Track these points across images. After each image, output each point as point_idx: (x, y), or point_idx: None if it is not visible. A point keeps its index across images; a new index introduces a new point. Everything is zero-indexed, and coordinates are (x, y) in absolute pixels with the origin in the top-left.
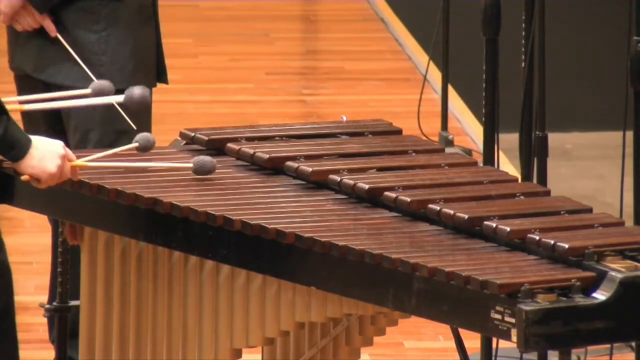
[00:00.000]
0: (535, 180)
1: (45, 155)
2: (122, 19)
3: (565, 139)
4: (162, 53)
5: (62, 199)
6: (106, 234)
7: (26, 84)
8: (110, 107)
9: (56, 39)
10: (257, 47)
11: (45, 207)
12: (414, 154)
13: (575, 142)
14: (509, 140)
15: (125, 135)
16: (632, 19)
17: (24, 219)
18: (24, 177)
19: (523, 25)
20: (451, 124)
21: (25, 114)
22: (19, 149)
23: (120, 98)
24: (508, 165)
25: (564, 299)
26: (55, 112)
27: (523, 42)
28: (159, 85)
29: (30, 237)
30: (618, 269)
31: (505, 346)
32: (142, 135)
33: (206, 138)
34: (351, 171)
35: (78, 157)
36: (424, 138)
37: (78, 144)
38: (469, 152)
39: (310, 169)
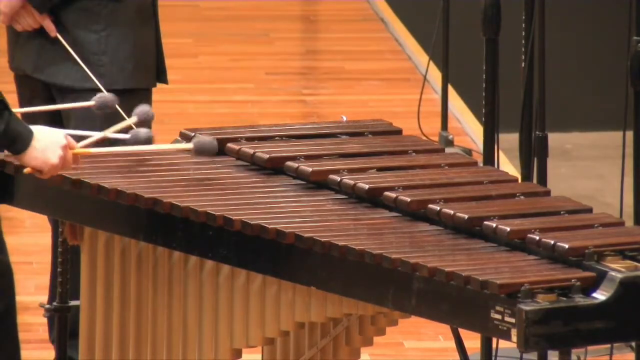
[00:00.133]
0: (535, 180)
1: (47, 146)
2: (122, 19)
3: (565, 139)
4: (162, 53)
5: (62, 199)
6: (106, 234)
7: (26, 84)
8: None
9: (56, 39)
10: (257, 47)
11: (45, 207)
12: (414, 154)
13: (575, 142)
14: (509, 140)
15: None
16: (632, 19)
17: (24, 219)
18: (26, 170)
19: (523, 25)
20: (451, 124)
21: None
22: (21, 142)
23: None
24: (508, 165)
25: (564, 299)
26: (55, 112)
27: (523, 42)
28: (159, 85)
29: (30, 237)
30: (618, 269)
31: (505, 346)
32: (140, 109)
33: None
34: (351, 171)
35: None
36: (424, 138)
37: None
38: (469, 152)
39: (310, 169)
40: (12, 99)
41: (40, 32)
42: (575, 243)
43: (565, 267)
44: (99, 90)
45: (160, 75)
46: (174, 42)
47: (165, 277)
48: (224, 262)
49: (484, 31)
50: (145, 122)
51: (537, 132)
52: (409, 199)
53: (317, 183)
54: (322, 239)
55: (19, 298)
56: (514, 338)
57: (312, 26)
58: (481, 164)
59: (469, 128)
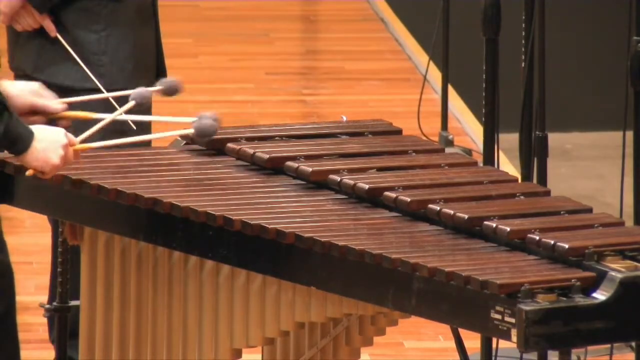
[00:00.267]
0: (535, 180)
1: (48, 146)
2: (122, 19)
3: (565, 139)
4: (162, 53)
5: (62, 199)
6: (106, 234)
7: None
8: (110, 107)
9: (56, 39)
10: (257, 47)
11: (45, 207)
12: (414, 154)
13: (575, 142)
14: (509, 140)
15: (125, 136)
16: (632, 19)
17: (24, 219)
18: (28, 172)
19: (523, 25)
20: (451, 124)
21: None
22: (22, 143)
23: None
24: (508, 165)
25: (564, 299)
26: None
27: (523, 42)
28: None
29: (30, 237)
30: (618, 269)
31: (505, 346)
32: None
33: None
34: (351, 171)
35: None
36: (424, 138)
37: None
38: (469, 152)
39: (310, 169)
40: None
41: (40, 32)
42: (575, 243)
43: (565, 267)
44: (99, 91)
45: (160, 75)
46: (174, 42)
47: (165, 277)
48: (224, 262)
49: (484, 31)
50: (171, 91)
51: (537, 132)
52: (409, 199)
53: (317, 183)
54: (322, 239)
55: (19, 298)
56: (514, 338)
57: (312, 26)
58: (481, 164)
59: (469, 128)
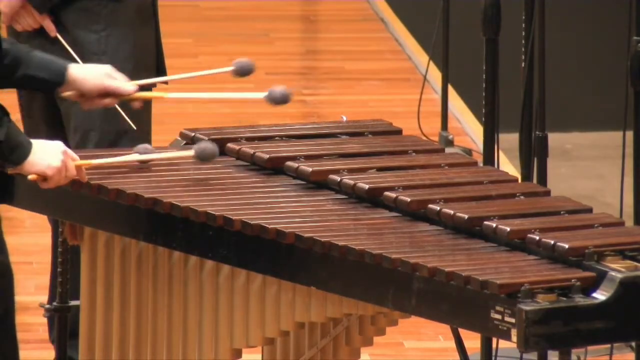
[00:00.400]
0: (535, 180)
1: (47, 154)
2: (122, 19)
3: (565, 139)
4: (162, 53)
5: (62, 199)
6: (106, 234)
7: None
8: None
9: (56, 39)
10: (257, 47)
11: (45, 207)
12: (414, 154)
13: (575, 142)
14: (509, 140)
15: (125, 135)
16: (632, 19)
17: (24, 219)
18: (31, 177)
19: (523, 25)
20: (451, 124)
21: (26, 114)
22: (21, 152)
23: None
24: (508, 165)
25: (564, 299)
26: (55, 113)
27: (523, 42)
28: (159, 85)
29: (30, 237)
30: (618, 269)
31: (505, 346)
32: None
33: (206, 138)
34: (351, 171)
35: (82, 158)
36: (424, 138)
37: (78, 144)
38: (469, 152)
39: (310, 169)
40: (12, 98)
41: (40, 32)
42: (575, 243)
43: (565, 267)
44: None
45: (160, 75)
46: (174, 42)
47: (165, 277)
48: (224, 262)
49: (484, 31)
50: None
51: (537, 132)
52: (409, 199)
53: (317, 183)
54: (322, 239)
55: (19, 298)
56: (514, 338)
57: (312, 26)
58: (481, 164)
59: (469, 128)
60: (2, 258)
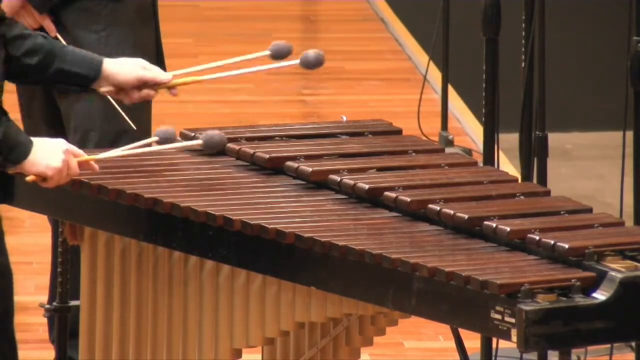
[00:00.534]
0: (535, 180)
1: (48, 153)
2: (122, 19)
3: (565, 139)
4: (162, 53)
5: (62, 199)
6: (106, 234)
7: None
8: (110, 107)
9: (56, 39)
10: (257, 47)
11: (45, 207)
12: (414, 154)
13: (575, 142)
14: (509, 140)
15: (125, 135)
16: (632, 19)
17: (24, 219)
18: (29, 178)
19: (523, 25)
20: (451, 124)
21: (26, 114)
22: (20, 151)
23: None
24: (508, 165)
25: (564, 299)
26: (55, 113)
27: (523, 42)
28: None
29: (30, 237)
30: (618, 269)
31: (505, 346)
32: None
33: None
34: (351, 171)
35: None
36: (424, 138)
37: (78, 144)
38: (469, 152)
39: (310, 169)
40: (12, 98)
41: (41, 32)
42: (575, 243)
43: (565, 267)
44: None
45: None
46: (174, 42)
47: (165, 277)
48: (224, 262)
49: (484, 31)
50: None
51: (537, 132)
52: (409, 199)
53: (317, 183)
54: (322, 239)
55: (19, 298)
56: (514, 338)
57: (312, 26)
58: (481, 164)
59: (469, 128)
60: (1, 259)
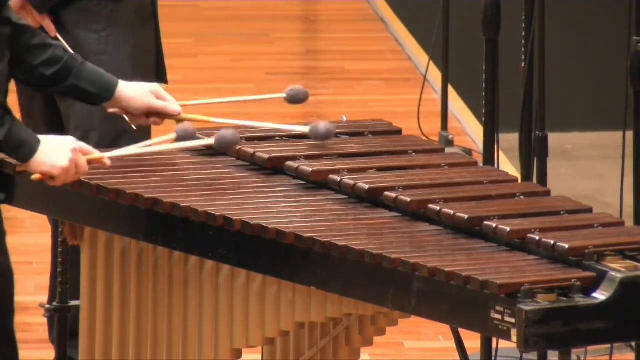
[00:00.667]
0: (535, 180)
1: (56, 151)
2: (122, 19)
3: (565, 139)
4: (162, 53)
5: (62, 199)
6: (106, 234)
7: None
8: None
9: (56, 39)
10: (257, 47)
11: (45, 207)
12: (414, 154)
13: (575, 142)
14: (509, 140)
15: (125, 135)
16: (632, 19)
17: (24, 219)
18: (35, 177)
19: (523, 25)
20: (451, 124)
21: (26, 114)
22: (27, 149)
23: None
24: (508, 165)
25: (564, 299)
26: (55, 113)
27: (523, 42)
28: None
29: (30, 237)
30: (618, 269)
31: (505, 346)
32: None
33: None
34: (351, 171)
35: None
36: (424, 138)
37: None
38: (469, 152)
39: (310, 169)
40: (12, 98)
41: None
42: (575, 243)
43: (565, 267)
44: None
45: (160, 75)
46: (174, 42)
47: (165, 277)
48: (224, 262)
49: (484, 31)
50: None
51: (537, 132)
52: (409, 199)
53: (317, 183)
54: (322, 239)
55: (19, 298)
56: (514, 338)
57: (312, 26)
58: (481, 164)
59: (469, 128)
60: (2, 259)
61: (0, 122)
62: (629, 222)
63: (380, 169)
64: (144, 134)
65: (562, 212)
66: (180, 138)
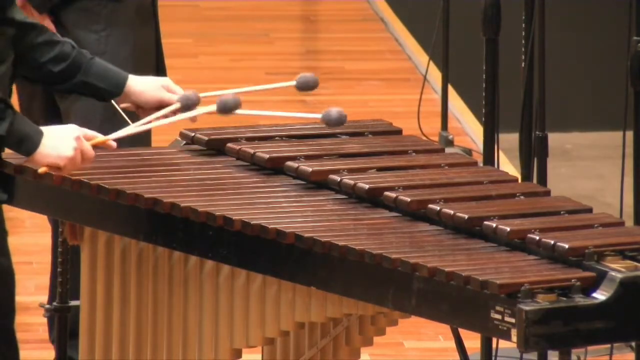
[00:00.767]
0: (535, 180)
1: (59, 141)
2: (122, 19)
3: (565, 139)
4: (162, 53)
5: (62, 199)
6: (106, 234)
7: (26, 84)
8: (110, 106)
9: None
10: (257, 47)
11: (45, 207)
12: (414, 154)
13: (575, 142)
14: (509, 140)
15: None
16: (632, 19)
17: (24, 219)
18: (41, 170)
19: (523, 25)
20: (451, 124)
21: (25, 113)
22: (30, 142)
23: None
24: (508, 165)
25: (564, 299)
26: (55, 112)
27: (523, 42)
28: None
29: (30, 237)
30: (618, 269)
31: (505, 346)
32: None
33: (206, 138)
34: (351, 171)
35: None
36: (424, 138)
37: None
38: (469, 152)
39: (310, 169)
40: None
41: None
42: (575, 243)
43: (565, 267)
44: None
45: (160, 75)
46: (174, 42)
47: (165, 277)
48: (224, 262)
49: (484, 31)
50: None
51: (537, 132)
52: (409, 199)
53: (317, 183)
54: (322, 239)
55: (19, 298)
56: (514, 338)
57: (312, 26)
58: (481, 164)
59: (469, 128)
60: (3, 259)
61: (2, 116)
62: (629, 222)
63: (380, 169)
64: (143, 134)
65: (562, 212)
66: (184, 107)
